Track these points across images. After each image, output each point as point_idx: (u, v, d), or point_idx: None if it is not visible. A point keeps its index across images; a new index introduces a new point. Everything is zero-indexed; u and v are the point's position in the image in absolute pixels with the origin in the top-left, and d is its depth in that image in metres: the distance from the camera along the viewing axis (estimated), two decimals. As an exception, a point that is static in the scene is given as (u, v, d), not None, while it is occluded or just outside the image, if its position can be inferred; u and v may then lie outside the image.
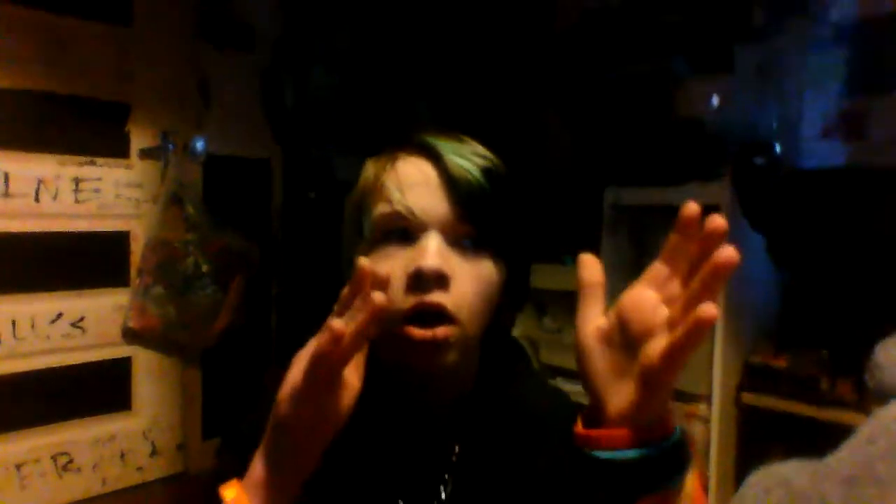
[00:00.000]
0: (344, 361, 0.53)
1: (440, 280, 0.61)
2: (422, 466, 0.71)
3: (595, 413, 0.52)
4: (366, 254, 0.64)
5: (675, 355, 0.46)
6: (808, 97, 1.48)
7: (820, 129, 1.49)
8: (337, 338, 0.50)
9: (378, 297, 0.51)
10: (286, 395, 0.55)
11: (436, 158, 0.65)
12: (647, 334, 0.48)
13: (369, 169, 0.69)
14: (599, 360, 0.51)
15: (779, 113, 1.45)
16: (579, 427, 0.52)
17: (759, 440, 1.64)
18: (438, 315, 0.61)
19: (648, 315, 0.49)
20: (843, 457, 1.21)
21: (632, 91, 1.72)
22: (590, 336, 0.52)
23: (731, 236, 1.52)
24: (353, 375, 0.57)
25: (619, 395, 0.50)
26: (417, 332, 0.61)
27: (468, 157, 0.66)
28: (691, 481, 0.51)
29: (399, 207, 0.63)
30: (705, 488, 1.71)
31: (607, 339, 0.51)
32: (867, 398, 1.24)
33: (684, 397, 1.81)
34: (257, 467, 0.56)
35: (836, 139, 1.46)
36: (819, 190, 1.50)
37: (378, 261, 0.62)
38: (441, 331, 0.61)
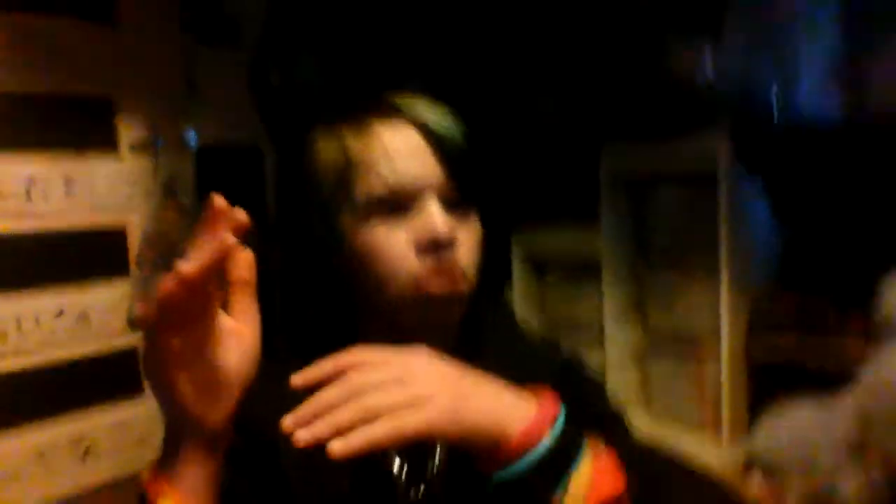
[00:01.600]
0: (196, 304, 0.51)
1: (451, 244, 0.63)
2: None
3: None
4: (356, 226, 0.65)
5: None
6: (805, 48, 1.42)
7: (819, 81, 1.44)
8: (184, 280, 0.48)
9: (229, 238, 0.49)
10: (149, 359, 0.51)
11: (420, 124, 0.66)
12: None
13: (348, 138, 0.68)
14: None
15: (776, 66, 1.41)
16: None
17: (769, 384, 1.61)
18: (453, 274, 0.65)
19: None
20: (853, 395, 1.19)
21: (625, 47, 1.68)
22: None
23: (731, 193, 1.47)
24: (243, 326, 0.56)
25: None
26: (440, 288, 0.63)
27: (448, 121, 0.68)
28: (580, 480, 0.52)
29: (395, 180, 0.63)
30: (716, 433, 1.69)
31: None
32: (874, 335, 1.22)
33: (694, 348, 1.80)
34: (164, 450, 0.55)
35: (836, 90, 1.41)
36: (820, 143, 1.46)
37: (379, 232, 0.64)
38: (458, 284, 0.64)
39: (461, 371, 0.56)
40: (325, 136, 0.70)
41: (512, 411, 0.53)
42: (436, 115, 0.67)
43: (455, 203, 0.66)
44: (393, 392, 0.51)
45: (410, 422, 0.50)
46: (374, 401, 0.50)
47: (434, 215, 0.63)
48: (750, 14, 1.47)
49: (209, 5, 1.98)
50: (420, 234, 0.63)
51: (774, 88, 1.49)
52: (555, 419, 0.54)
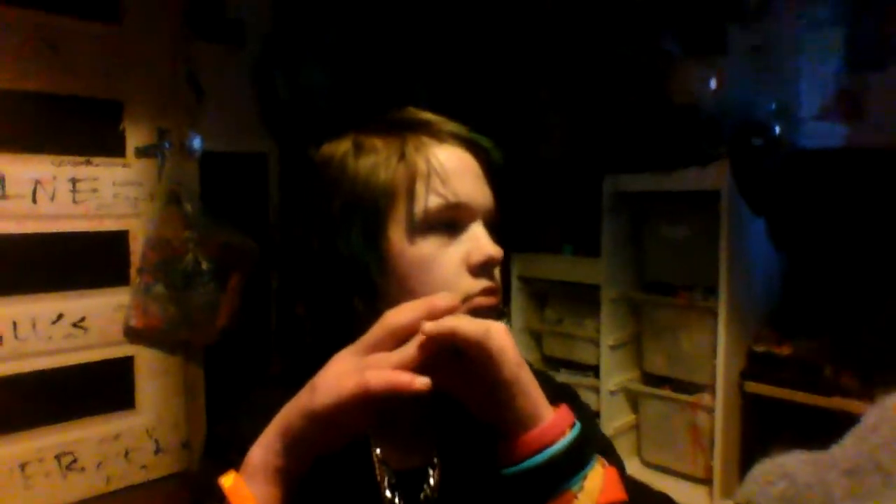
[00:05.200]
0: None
1: (500, 264, 0.67)
2: (408, 450, 0.71)
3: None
4: (406, 242, 0.66)
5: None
6: (805, 76, 1.44)
7: (818, 109, 1.45)
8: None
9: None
10: (353, 392, 0.52)
11: (478, 149, 0.69)
12: None
13: (409, 155, 0.67)
14: None
15: (776, 93, 1.42)
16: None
17: (763, 429, 1.61)
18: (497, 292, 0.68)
19: None
20: (846, 446, 1.18)
21: (627, 76, 1.69)
22: None
23: (731, 221, 1.49)
24: None
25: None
26: (487, 301, 0.65)
27: (494, 148, 0.71)
28: (594, 480, 0.55)
29: (458, 199, 0.65)
30: (707, 478, 1.69)
31: None
32: (870, 385, 1.21)
33: (688, 388, 1.79)
34: (260, 454, 0.56)
35: (834, 118, 1.43)
36: (819, 170, 1.46)
37: (436, 248, 0.65)
38: (499, 298, 0.68)
39: None
40: (371, 151, 0.69)
41: (546, 403, 0.57)
42: (487, 142, 0.70)
43: (491, 226, 0.69)
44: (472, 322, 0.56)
45: (494, 335, 0.54)
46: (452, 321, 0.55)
47: (486, 237, 0.66)
48: (751, 43, 1.48)
49: (214, 7, 1.99)
50: (475, 256, 0.65)
51: (775, 118, 1.49)
52: (573, 422, 0.57)
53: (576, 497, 0.54)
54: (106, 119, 1.84)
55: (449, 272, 0.65)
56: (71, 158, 1.76)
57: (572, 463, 0.55)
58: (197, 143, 1.95)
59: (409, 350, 0.53)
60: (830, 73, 1.43)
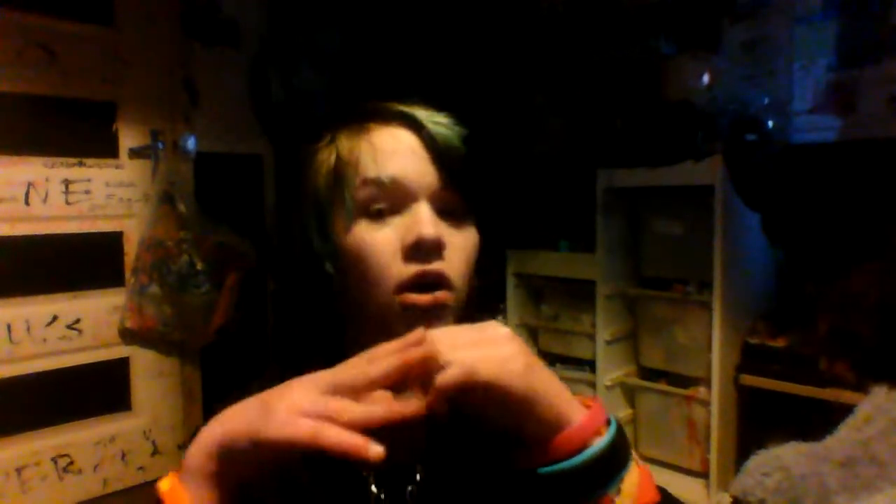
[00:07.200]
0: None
1: (438, 248, 0.61)
2: (395, 447, 0.70)
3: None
4: (348, 228, 0.63)
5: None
6: (798, 71, 1.45)
7: (811, 104, 1.46)
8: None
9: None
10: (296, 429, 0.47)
11: (416, 127, 0.64)
12: None
13: (342, 142, 0.66)
14: None
15: (769, 89, 1.42)
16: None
17: (758, 421, 1.62)
18: (438, 282, 0.61)
19: None
20: (840, 438, 1.20)
21: (620, 72, 1.69)
22: None
23: (725, 215, 1.49)
24: None
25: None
26: (420, 298, 0.60)
27: (446, 125, 0.66)
28: (631, 481, 0.51)
29: (387, 178, 0.62)
30: (704, 471, 1.70)
31: None
32: (865, 377, 1.22)
33: (684, 381, 1.80)
34: (196, 456, 0.51)
35: (827, 113, 1.44)
36: (812, 164, 1.47)
37: (368, 233, 0.62)
38: (441, 294, 0.60)
39: (531, 351, 0.54)
40: (323, 142, 0.70)
41: (572, 401, 0.52)
42: (435, 121, 0.66)
43: (450, 211, 0.64)
44: (467, 349, 0.50)
45: (481, 369, 0.48)
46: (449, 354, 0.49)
47: (422, 217, 0.61)
48: (744, 39, 1.49)
49: (209, 9, 1.99)
50: (407, 237, 0.61)
51: (768, 113, 1.50)
52: (608, 420, 0.53)
53: (613, 501, 0.51)
54: (99, 120, 1.83)
55: (381, 258, 0.61)
56: (63, 160, 1.76)
57: (611, 465, 0.51)
58: (191, 143, 1.95)
59: (377, 412, 0.48)
60: (823, 67, 1.43)
